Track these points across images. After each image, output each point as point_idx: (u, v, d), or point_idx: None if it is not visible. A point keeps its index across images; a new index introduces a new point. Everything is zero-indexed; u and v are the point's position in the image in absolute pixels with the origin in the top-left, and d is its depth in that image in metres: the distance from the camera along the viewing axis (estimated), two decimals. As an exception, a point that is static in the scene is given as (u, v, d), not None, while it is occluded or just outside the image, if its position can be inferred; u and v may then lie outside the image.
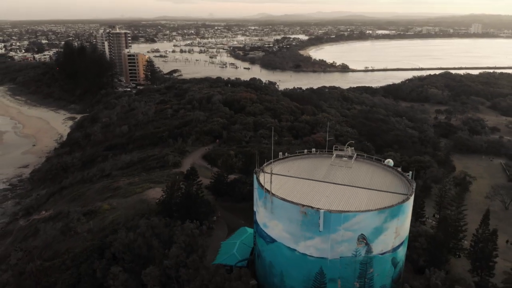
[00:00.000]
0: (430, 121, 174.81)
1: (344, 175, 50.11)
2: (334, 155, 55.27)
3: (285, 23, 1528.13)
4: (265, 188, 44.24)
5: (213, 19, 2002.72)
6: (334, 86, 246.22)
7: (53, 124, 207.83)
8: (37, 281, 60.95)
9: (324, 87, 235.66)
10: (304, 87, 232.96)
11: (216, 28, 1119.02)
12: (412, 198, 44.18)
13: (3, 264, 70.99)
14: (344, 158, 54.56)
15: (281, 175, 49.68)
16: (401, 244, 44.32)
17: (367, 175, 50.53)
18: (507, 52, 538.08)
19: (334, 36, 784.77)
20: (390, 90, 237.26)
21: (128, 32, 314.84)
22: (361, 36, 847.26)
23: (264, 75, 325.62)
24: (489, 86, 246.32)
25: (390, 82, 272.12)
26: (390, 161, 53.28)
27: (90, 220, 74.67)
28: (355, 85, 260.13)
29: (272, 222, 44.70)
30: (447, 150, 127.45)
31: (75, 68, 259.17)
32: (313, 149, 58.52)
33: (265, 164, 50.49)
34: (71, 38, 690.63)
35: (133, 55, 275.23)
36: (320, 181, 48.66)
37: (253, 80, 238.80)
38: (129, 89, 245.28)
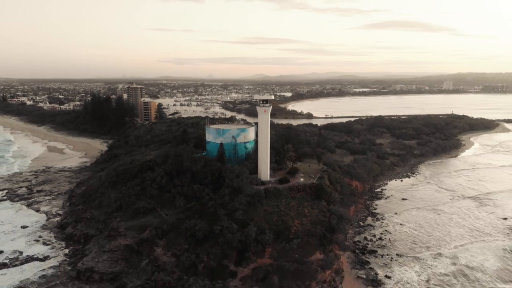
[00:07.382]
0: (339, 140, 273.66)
1: (235, 126, 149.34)
2: (236, 122, 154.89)
3: (279, 83, 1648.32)
4: (208, 126, 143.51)
5: (212, 79, 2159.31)
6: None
7: (94, 145, 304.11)
8: (124, 173, 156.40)
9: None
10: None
11: (213, 87, 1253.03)
12: (250, 129, 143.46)
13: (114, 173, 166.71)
14: (239, 124, 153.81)
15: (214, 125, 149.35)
16: (248, 142, 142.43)
17: (243, 125, 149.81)
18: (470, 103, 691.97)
19: (314, 93, 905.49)
20: (328, 126, 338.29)
21: (143, 87, 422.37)
22: (340, 93, 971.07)
23: (245, 118, 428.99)
24: (404, 123, 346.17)
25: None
26: (253, 124, 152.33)
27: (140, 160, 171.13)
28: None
29: (209, 136, 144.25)
30: (340, 154, 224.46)
31: (102, 112, 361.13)
32: (229, 121, 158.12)
33: (208, 123, 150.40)
34: (83, 94, 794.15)
35: (147, 102, 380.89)
36: (226, 127, 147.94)
37: (231, 117, 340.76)
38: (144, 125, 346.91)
